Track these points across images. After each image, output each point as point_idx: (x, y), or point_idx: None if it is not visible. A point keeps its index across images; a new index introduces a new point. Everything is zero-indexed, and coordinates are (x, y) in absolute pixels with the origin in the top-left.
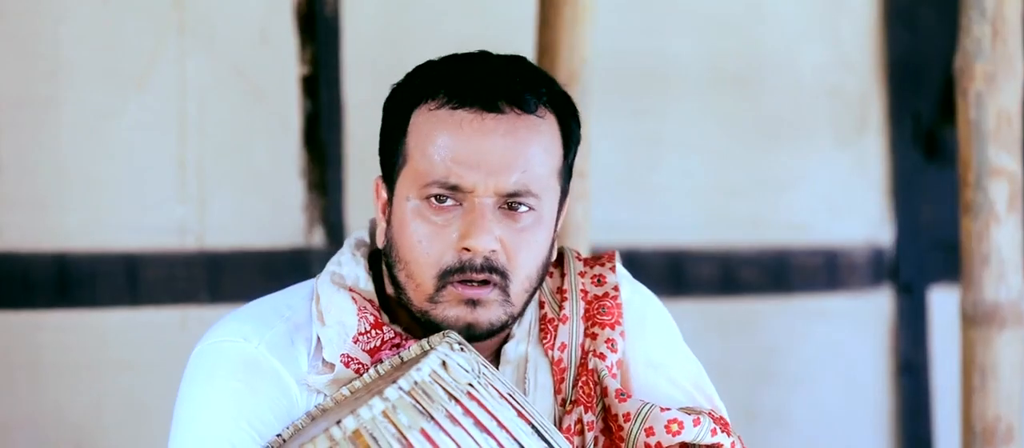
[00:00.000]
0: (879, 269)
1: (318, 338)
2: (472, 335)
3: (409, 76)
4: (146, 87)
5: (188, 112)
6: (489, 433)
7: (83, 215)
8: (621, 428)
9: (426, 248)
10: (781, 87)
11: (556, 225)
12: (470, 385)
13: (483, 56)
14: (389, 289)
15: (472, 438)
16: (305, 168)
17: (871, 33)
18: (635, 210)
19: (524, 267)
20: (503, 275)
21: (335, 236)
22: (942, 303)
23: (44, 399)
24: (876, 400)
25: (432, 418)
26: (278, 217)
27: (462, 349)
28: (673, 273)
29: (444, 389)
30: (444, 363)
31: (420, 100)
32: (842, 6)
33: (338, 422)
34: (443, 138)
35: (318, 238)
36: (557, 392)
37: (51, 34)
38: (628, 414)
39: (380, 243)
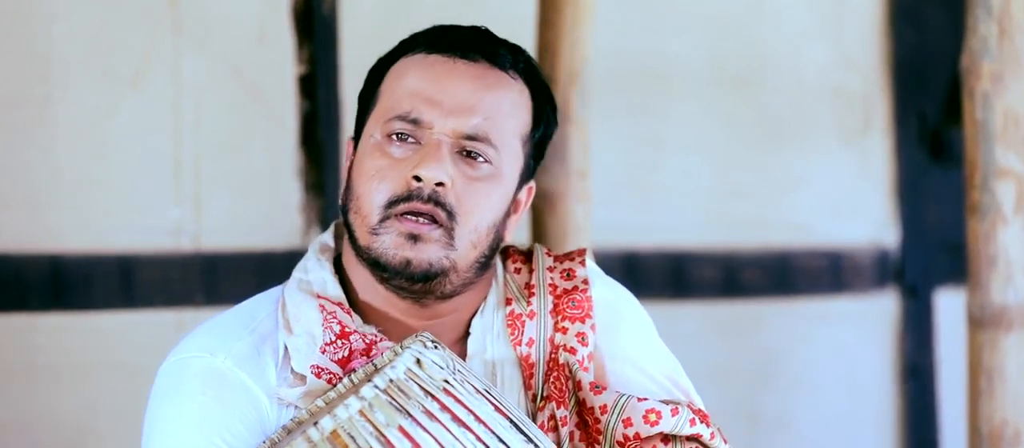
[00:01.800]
0: (884, 271)
1: (285, 348)
2: (410, 275)
3: (393, 47)
4: (141, 87)
5: (184, 112)
6: (467, 428)
7: (77, 216)
8: (598, 421)
9: (379, 179)
10: (784, 86)
11: (515, 196)
12: (446, 381)
13: (461, 25)
14: (349, 270)
15: (451, 433)
16: (302, 169)
17: (876, 32)
18: (636, 211)
19: (473, 216)
20: (450, 214)
21: None
22: (948, 305)
23: (38, 402)
24: (881, 404)
25: (410, 415)
26: (275, 218)
27: (436, 347)
28: (675, 275)
29: (420, 386)
30: (418, 361)
31: (399, 56)
32: (846, 4)
33: (315, 423)
34: (412, 78)
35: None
36: (527, 388)
37: (44, 33)
38: (605, 406)
39: (341, 199)
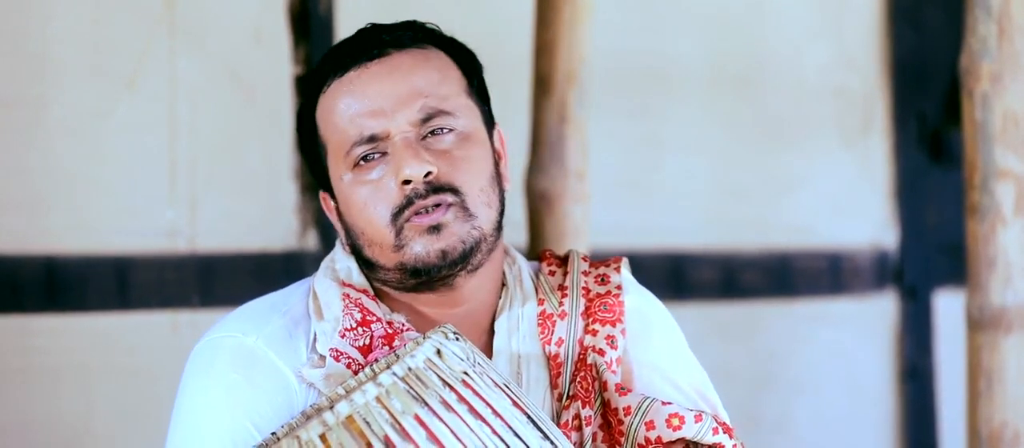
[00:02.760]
0: (883, 272)
1: (315, 333)
2: (452, 262)
3: (305, 94)
4: (136, 87)
5: (179, 113)
6: (484, 420)
7: (72, 217)
8: (621, 422)
9: (373, 205)
10: (784, 87)
11: (493, 146)
12: (465, 373)
13: (354, 33)
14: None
15: (467, 425)
16: (298, 170)
17: (875, 32)
18: (635, 212)
19: (471, 178)
20: (454, 191)
21: (328, 239)
22: (947, 307)
23: (33, 404)
24: (880, 406)
25: (426, 404)
26: (271, 219)
27: (457, 339)
28: (674, 276)
29: (438, 376)
30: (439, 351)
31: (316, 95)
32: (846, 5)
33: (331, 407)
34: (341, 104)
35: (311, 241)
36: (553, 387)
37: (39, 33)
38: (628, 408)
39: (345, 245)
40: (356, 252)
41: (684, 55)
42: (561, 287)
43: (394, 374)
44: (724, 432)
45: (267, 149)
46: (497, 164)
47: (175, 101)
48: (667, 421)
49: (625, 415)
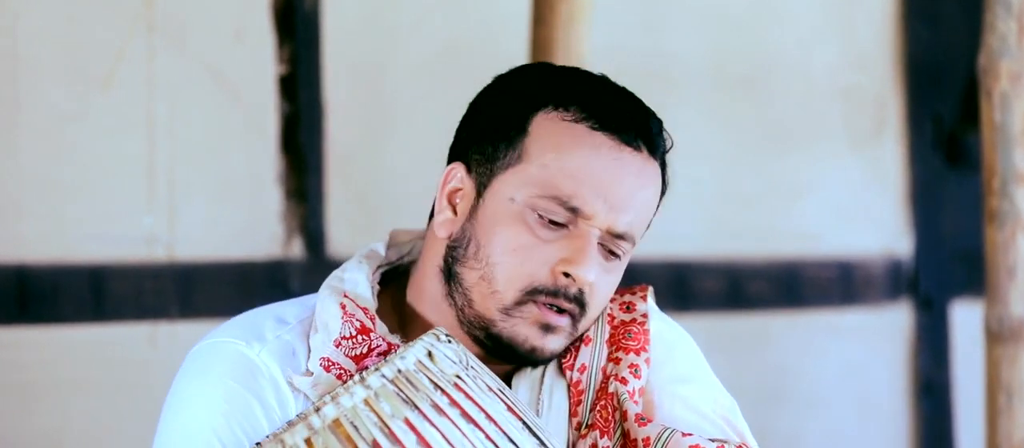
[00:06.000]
0: (897, 282)
1: (311, 347)
2: (533, 361)
3: (525, 73)
4: (112, 87)
5: (157, 114)
6: (477, 425)
7: (44, 224)
8: None
9: (521, 258)
10: (791, 88)
11: None
12: (457, 376)
13: (607, 80)
14: (410, 297)
15: (459, 429)
16: (283, 174)
17: (888, 30)
18: None
19: (597, 308)
20: (583, 309)
21: (314, 247)
22: (965, 318)
23: (3, 421)
24: (894, 422)
25: (416, 408)
26: (254, 227)
27: (449, 341)
28: (677, 287)
29: (430, 379)
30: (430, 353)
31: (548, 103)
32: (857, 1)
33: (317, 410)
34: (579, 157)
35: (297, 249)
36: (573, 415)
37: (9, 30)
38: (648, 439)
39: (445, 232)
40: (452, 258)
41: (686, 54)
42: None
43: (383, 376)
44: None
45: (250, 153)
46: None
47: (153, 102)
48: None
49: (644, 446)
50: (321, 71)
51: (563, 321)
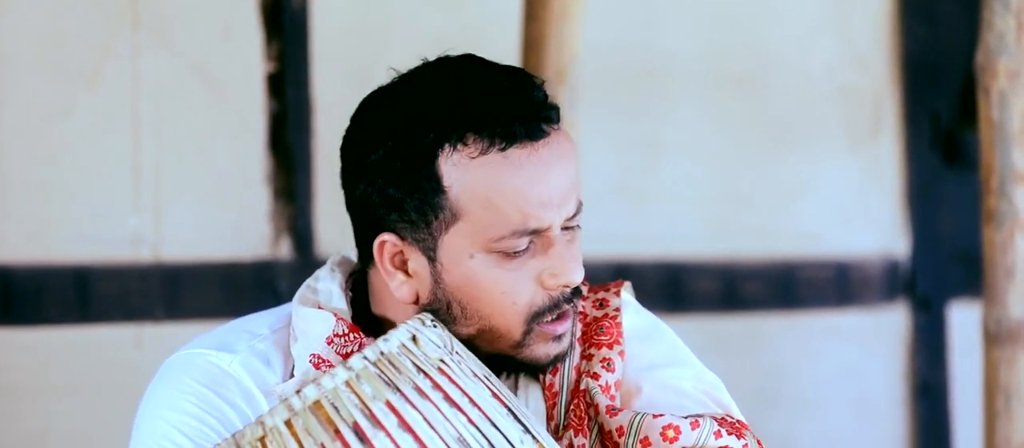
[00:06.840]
0: (894, 283)
1: (294, 361)
2: (546, 366)
3: (393, 112)
4: (97, 85)
5: (143, 113)
6: (460, 409)
7: (28, 225)
8: (617, 445)
9: (512, 297)
10: (788, 86)
11: None
12: (441, 361)
13: (475, 70)
14: (377, 309)
15: (441, 412)
16: (270, 173)
17: (885, 27)
18: (630, 219)
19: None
20: (577, 293)
21: (303, 247)
22: (962, 320)
23: None
24: (891, 425)
25: (398, 390)
26: (241, 227)
27: (434, 326)
28: (672, 287)
29: (413, 362)
30: (414, 337)
31: (441, 143)
32: None
33: (298, 392)
34: (508, 185)
35: (284, 249)
36: (550, 418)
37: None
38: (621, 428)
39: (408, 296)
40: (445, 321)
41: (682, 52)
42: None
43: (365, 358)
44: (729, 434)
45: (237, 152)
46: None
47: (139, 100)
48: (662, 434)
49: (619, 436)
50: (309, 69)
51: (568, 322)
